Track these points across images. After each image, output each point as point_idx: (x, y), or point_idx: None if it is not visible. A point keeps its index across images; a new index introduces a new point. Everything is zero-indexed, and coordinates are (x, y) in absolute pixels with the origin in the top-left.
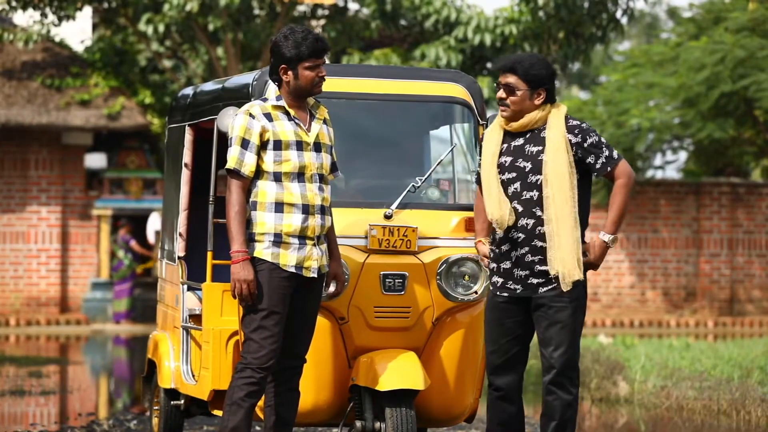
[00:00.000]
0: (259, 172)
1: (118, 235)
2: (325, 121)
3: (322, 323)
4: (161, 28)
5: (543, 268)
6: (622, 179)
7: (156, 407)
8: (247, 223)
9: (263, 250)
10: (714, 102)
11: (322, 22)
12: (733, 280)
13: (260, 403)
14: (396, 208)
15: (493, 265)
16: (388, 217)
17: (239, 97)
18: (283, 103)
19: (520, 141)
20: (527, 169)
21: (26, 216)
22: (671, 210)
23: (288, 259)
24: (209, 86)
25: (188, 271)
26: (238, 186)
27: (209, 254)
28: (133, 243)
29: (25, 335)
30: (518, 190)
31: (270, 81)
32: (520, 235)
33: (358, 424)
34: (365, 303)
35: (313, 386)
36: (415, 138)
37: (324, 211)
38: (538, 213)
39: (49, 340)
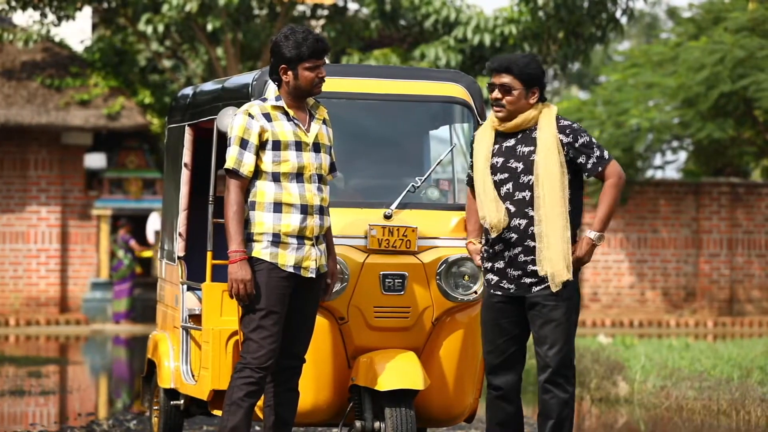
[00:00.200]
0: (257, 172)
1: (117, 235)
2: (324, 122)
3: (321, 323)
4: (161, 28)
5: (536, 267)
6: (613, 179)
7: (156, 407)
8: (246, 223)
9: (262, 250)
10: (713, 102)
11: (322, 22)
12: (733, 280)
13: (260, 402)
14: (396, 208)
15: (488, 264)
16: (387, 217)
17: (239, 97)
18: (282, 103)
19: (512, 141)
20: (519, 170)
21: (26, 216)
22: (671, 210)
23: (286, 259)
24: (209, 86)
25: (188, 271)
26: (236, 186)
27: (209, 254)
28: (133, 243)
29: (25, 335)
30: (510, 190)
31: (269, 81)
32: (513, 235)
33: (358, 424)
34: (365, 303)
35: (313, 386)
36: (414, 138)
37: (323, 211)
38: (531, 213)
39: (49, 340)
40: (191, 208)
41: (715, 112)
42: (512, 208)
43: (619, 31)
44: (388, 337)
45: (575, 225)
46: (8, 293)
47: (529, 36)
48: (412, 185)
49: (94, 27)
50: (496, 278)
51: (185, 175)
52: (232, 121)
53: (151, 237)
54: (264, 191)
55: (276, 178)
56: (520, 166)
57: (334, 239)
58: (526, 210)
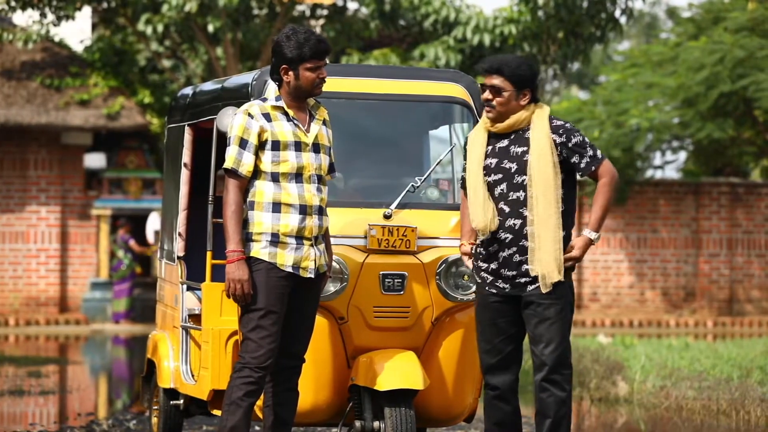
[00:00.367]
0: (257, 172)
1: (117, 234)
2: (324, 122)
3: (321, 323)
4: (160, 28)
5: (530, 267)
6: (606, 178)
7: (155, 407)
8: (245, 222)
9: (260, 250)
10: (713, 102)
11: (321, 21)
12: (733, 280)
13: (259, 402)
14: (395, 207)
15: (483, 264)
16: (387, 216)
17: (238, 96)
18: (282, 103)
19: (505, 142)
20: (513, 170)
21: (25, 216)
22: (670, 210)
23: (285, 258)
24: (208, 86)
25: (187, 270)
26: (235, 185)
27: (209, 254)
28: (132, 243)
29: (25, 335)
30: (505, 191)
31: (269, 81)
32: (508, 235)
33: (358, 424)
34: (364, 303)
35: (313, 386)
36: (414, 138)
37: (322, 211)
38: (525, 213)
39: (49, 340)
40: (191, 207)
41: (715, 112)
42: (507, 209)
43: (618, 31)
44: (388, 337)
45: (569, 225)
46: (8, 293)
47: (528, 36)
48: (412, 185)
49: (94, 27)
50: (491, 278)
51: (185, 175)
52: (232, 121)
53: (150, 237)
54: (263, 191)
55: (275, 178)
56: (514, 166)
57: (333, 239)
58: (521, 210)
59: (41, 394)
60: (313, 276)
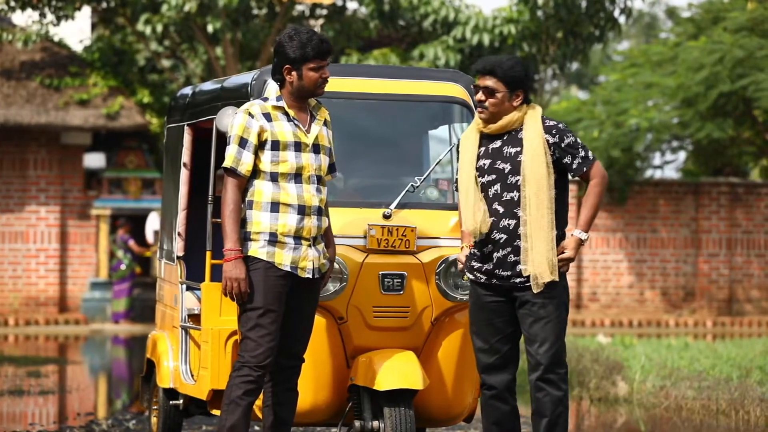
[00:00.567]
0: (256, 172)
1: (117, 234)
2: (325, 123)
3: (320, 323)
4: (160, 28)
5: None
6: (596, 179)
7: (155, 407)
8: (243, 222)
9: (258, 249)
10: (713, 102)
11: (321, 21)
12: (732, 280)
13: (258, 402)
14: (395, 207)
15: (478, 265)
16: (387, 216)
17: (238, 96)
18: (283, 103)
19: (498, 143)
20: (506, 171)
21: (25, 216)
22: (670, 210)
23: (283, 258)
24: (208, 86)
25: (187, 270)
26: (234, 185)
27: (208, 254)
28: (132, 243)
29: (24, 335)
30: (499, 191)
31: (269, 81)
32: (502, 236)
33: (357, 423)
34: (364, 303)
35: (312, 386)
36: (414, 138)
37: (321, 212)
38: (519, 213)
39: (48, 339)
40: (190, 207)
41: (715, 112)
42: (501, 209)
43: (617, 31)
44: (387, 337)
45: (562, 225)
46: (7, 293)
47: (527, 36)
48: (412, 185)
49: (93, 27)
50: (486, 278)
51: (184, 174)
52: (233, 120)
53: (150, 237)
54: (262, 191)
55: (274, 178)
56: (508, 167)
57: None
58: (515, 210)
59: (41, 394)
60: (310, 276)
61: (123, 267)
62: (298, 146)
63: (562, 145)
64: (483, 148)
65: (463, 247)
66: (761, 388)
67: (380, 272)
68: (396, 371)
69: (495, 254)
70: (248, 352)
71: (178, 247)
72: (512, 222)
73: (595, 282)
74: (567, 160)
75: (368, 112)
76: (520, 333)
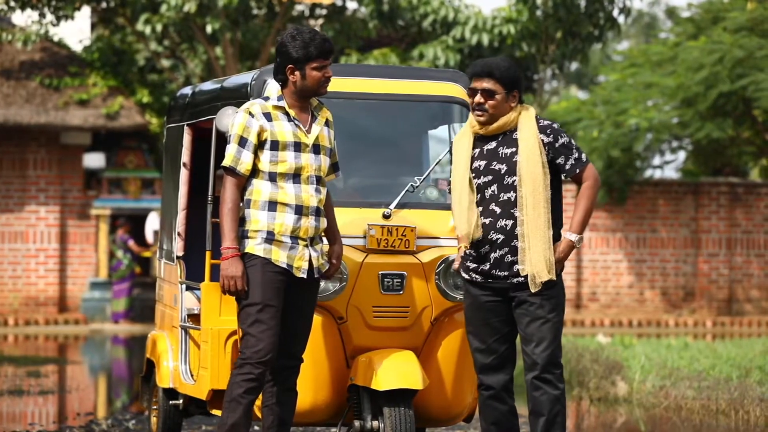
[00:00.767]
0: (255, 171)
1: (116, 234)
2: (327, 123)
3: (320, 323)
4: (159, 28)
5: (521, 267)
6: (589, 182)
7: (154, 407)
8: (242, 220)
9: (255, 246)
10: (712, 102)
11: (321, 21)
12: (732, 279)
13: (258, 402)
14: (394, 207)
15: (474, 265)
16: (386, 216)
17: (238, 96)
18: (283, 103)
19: (493, 144)
20: (503, 171)
21: (25, 216)
22: (670, 210)
23: (279, 255)
24: (208, 86)
25: (187, 270)
26: (233, 183)
27: (208, 254)
28: (131, 243)
29: (24, 335)
30: (495, 192)
31: (269, 81)
32: (500, 236)
33: (357, 423)
34: (364, 303)
35: (312, 386)
36: (413, 138)
37: (319, 213)
38: (516, 214)
39: (48, 339)
40: (190, 207)
41: (714, 112)
42: (498, 210)
43: (616, 31)
44: (387, 337)
45: (557, 225)
46: (7, 293)
47: (526, 36)
48: (411, 185)
49: (93, 27)
50: (482, 278)
51: (184, 174)
52: (233, 119)
53: (149, 237)
54: (260, 190)
55: (272, 177)
56: (504, 167)
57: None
58: (512, 211)
59: (40, 394)
60: (305, 276)
61: (123, 267)
62: (298, 146)
63: (556, 145)
64: (477, 150)
65: (460, 247)
66: (761, 388)
67: (380, 272)
68: (396, 371)
69: (492, 255)
70: (249, 348)
71: (178, 246)
72: (509, 222)
73: (594, 282)
74: (560, 160)
75: (368, 112)
76: (516, 332)
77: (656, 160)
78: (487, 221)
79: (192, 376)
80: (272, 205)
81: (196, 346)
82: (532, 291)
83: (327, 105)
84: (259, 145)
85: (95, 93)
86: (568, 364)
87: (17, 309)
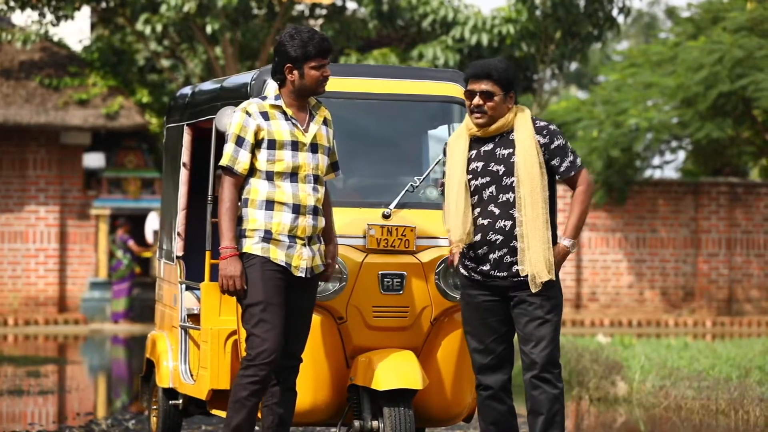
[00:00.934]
0: (252, 170)
1: (116, 234)
2: (325, 122)
3: (320, 323)
4: (159, 28)
5: (520, 267)
6: (583, 186)
7: (154, 407)
8: (239, 220)
9: (253, 246)
10: (712, 102)
11: (320, 21)
12: (732, 279)
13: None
14: (394, 207)
15: (472, 265)
16: (386, 216)
17: (237, 96)
18: (281, 102)
19: (490, 146)
20: (501, 172)
21: (24, 215)
22: (669, 210)
23: (277, 254)
24: (207, 86)
25: (186, 270)
26: (230, 183)
27: (207, 254)
28: (131, 243)
29: (24, 335)
30: (494, 193)
31: (268, 81)
32: (498, 237)
33: (357, 423)
34: (364, 302)
35: (312, 386)
36: (413, 137)
37: (317, 212)
38: (515, 214)
39: (48, 339)
40: (190, 207)
41: (714, 112)
42: (497, 211)
43: (616, 31)
44: (387, 337)
45: (553, 226)
46: (7, 293)
47: (526, 35)
48: (411, 185)
49: (93, 27)
50: (481, 278)
51: (184, 174)
52: (231, 119)
53: (149, 237)
54: (257, 189)
55: (270, 176)
56: (501, 168)
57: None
58: (511, 212)
59: (40, 394)
60: (304, 275)
61: (122, 267)
62: (295, 145)
63: (552, 146)
64: (474, 152)
65: (452, 248)
66: (761, 388)
67: (380, 272)
68: (395, 371)
69: (491, 255)
70: (254, 349)
71: (178, 246)
72: (508, 223)
73: (594, 282)
74: (555, 162)
75: (368, 112)
76: (513, 332)
77: (656, 160)
78: (485, 222)
79: (192, 376)
80: (270, 204)
81: (195, 346)
82: (533, 291)
83: (326, 105)
84: (257, 144)
85: (95, 93)
86: (568, 364)
87: (17, 309)
